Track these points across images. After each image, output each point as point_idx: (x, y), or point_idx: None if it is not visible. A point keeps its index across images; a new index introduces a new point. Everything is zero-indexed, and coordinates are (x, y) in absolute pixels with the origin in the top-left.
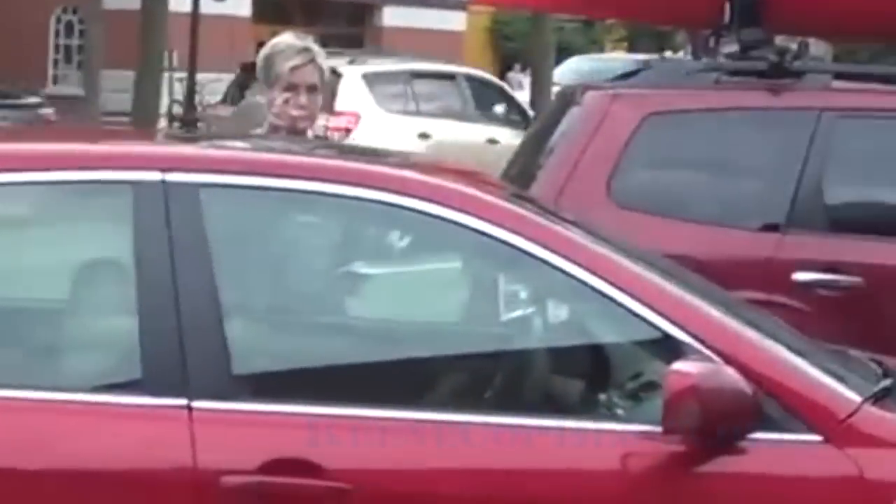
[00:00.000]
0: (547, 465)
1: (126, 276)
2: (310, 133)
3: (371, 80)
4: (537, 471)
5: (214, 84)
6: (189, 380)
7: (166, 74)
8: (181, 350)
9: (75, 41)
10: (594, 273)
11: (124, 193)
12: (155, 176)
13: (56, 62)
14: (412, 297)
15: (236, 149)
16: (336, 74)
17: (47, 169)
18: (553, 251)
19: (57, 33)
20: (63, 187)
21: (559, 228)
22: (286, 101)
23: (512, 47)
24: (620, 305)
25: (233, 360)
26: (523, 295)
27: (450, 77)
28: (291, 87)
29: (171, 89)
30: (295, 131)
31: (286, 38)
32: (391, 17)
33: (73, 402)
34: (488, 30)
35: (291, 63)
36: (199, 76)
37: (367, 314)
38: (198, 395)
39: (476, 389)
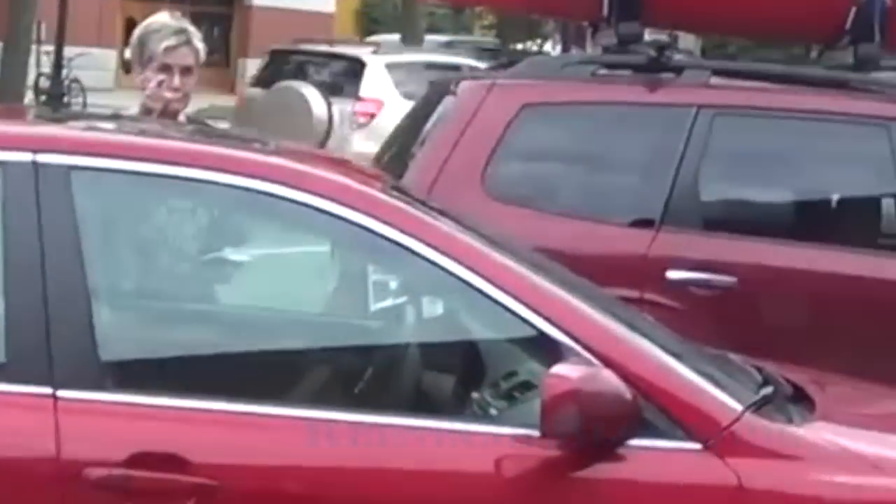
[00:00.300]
0: (417, 467)
1: None
2: (182, 116)
3: (392, 69)
4: (407, 472)
5: (82, 58)
6: (54, 368)
7: (34, 47)
8: (47, 337)
9: None
10: (469, 267)
11: None
12: (25, 157)
13: None
14: (281, 286)
15: (109, 131)
16: (361, 63)
17: None
18: (425, 243)
19: None
20: None
21: (432, 220)
22: (160, 83)
23: (379, 31)
24: (496, 302)
25: (100, 349)
26: (392, 287)
27: (456, 68)
28: (165, 69)
29: (39, 62)
30: (168, 113)
31: (161, 18)
32: None
33: None
34: (357, 12)
35: (166, 43)
36: (67, 50)
37: (236, 303)
38: (63, 384)
39: (344, 384)
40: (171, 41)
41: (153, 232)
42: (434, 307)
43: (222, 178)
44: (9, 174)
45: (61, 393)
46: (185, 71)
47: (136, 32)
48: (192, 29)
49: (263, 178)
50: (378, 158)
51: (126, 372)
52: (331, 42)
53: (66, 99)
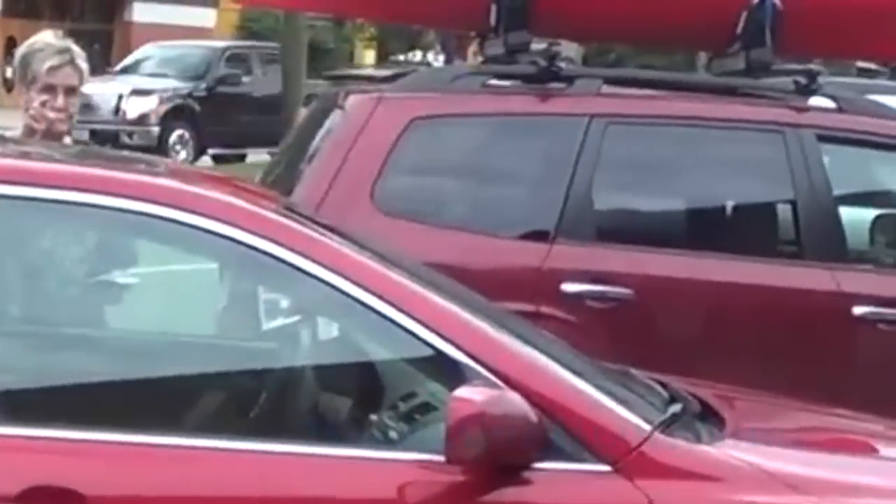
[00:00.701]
0: (316, 495)
1: None
2: (67, 137)
3: None
4: (306, 501)
5: None
6: None
7: None
8: None
9: None
10: (363, 286)
11: None
12: None
13: None
14: (170, 309)
15: None
16: None
17: None
18: (315, 261)
19: None
20: None
21: (323, 237)
22: (43, 103)
23: None
24: (391, 322)
25: None
26: (283, 307)
27: None
28: (49, 89)
29: None
30: (52, 134)
31: (45, 38)
32: (141, 12)
33: None
34: (237, 27)
35: (49, 63)
36: None
37: (125, 327)
38: None
39: (238, 410)
40: (55, 61)
41: (38, 256)
42: (328, 328)
43: (105, 201)
44: None
45: None
46: (70, 91)
47: (20, 52)
48: (76, 48)
49: (147, 200)
50: (266, 175)
51: (15, 402)
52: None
53: None
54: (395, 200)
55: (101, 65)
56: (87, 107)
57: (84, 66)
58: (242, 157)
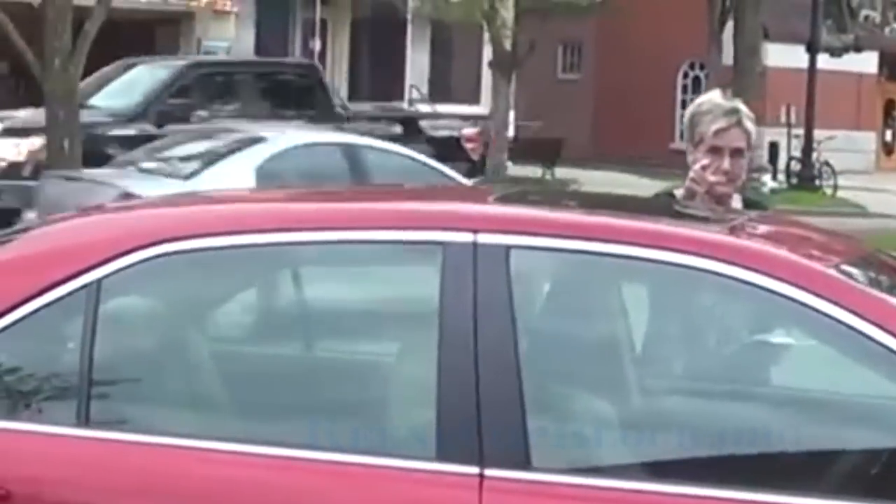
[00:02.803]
0: None
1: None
2: (736, 200)
3: None
4: None
5: (834, 141)
6: (482, 449)
7: (784, 130)
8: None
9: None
10: None
11: (435, 254)
12: (466, 237)
13: (682, 118)
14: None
15: (549, 209)
16: None
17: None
18: None
19: (684, 89)
20: (377, 246)
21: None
22: (704, 167)
23: None
24: None
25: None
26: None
27: None
28: (714, 151)
29: (789, 145)
30: (715, 197)
31: (713, 98)
32: None
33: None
34: None
35: (717, 126)
36: (816, 133)
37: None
38: (490, 464)
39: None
40: (722, 123)
41: (700, 315)
42: None
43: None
44: (449, 254)
45: (488, 472)
46: (736, 153)
47: (688, 111)
48: (744, 109)
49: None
50: None
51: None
52: None
53: (817, 182)
54: None
55: None
56: None
57: (752, 127)
58: None
